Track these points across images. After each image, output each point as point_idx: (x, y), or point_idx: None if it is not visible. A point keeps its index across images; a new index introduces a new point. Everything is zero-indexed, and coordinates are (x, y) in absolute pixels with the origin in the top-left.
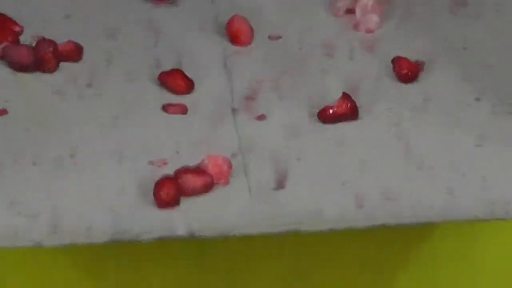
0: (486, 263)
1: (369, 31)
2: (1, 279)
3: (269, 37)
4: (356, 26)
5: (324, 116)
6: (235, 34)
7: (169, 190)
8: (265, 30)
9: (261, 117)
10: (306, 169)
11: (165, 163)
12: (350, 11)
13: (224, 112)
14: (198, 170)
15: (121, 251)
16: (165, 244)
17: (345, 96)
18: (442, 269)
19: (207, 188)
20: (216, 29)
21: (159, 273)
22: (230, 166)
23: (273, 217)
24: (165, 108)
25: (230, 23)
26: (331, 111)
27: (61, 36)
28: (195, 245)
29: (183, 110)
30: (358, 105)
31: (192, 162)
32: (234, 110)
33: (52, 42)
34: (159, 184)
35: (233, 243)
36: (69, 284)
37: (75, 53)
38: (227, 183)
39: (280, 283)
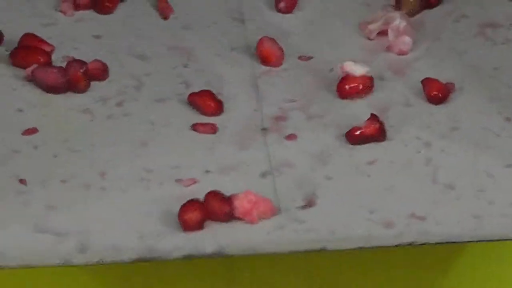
0: None
1: (402, 53)
2: None
3: (299, 58)
4: (389, 48)
5: (352, 137)
6: (266, 55)
7: (194, 215)
8: (295, 51)
9: (291, 137)
10: (334, 189)
11: (194, 182)
12: (382, 33)
13: (254, 132)
14: (228, 201)
15: (148, 270)
16: (192, 263)
17: (373, 117)
18: None
19: (231, 219)
20: (246, 50)
21: None
22: (265, 208)
23: (301, 235)
24: (195, 127)
25: (260, 44)
26: (358, 132)
27: (89, 56)
28: (223, 263)
29: (213, 129)
30: (387, 127)
31: (222, 181)
32: (264, 130)
33: (83, 63)
34: (185, 208)
35: (261, 261)
36: None
37: (101, 72)
38: (253, 222)
39: None
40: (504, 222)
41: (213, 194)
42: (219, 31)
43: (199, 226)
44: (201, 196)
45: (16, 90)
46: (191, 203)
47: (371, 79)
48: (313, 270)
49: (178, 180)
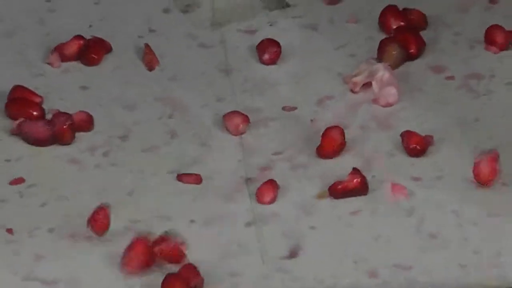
0: None
1: (388, 105)
2: None
3: (283, 108)
4: (375, 101)
5: (335, 191)
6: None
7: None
8: (279, 102)
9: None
10: (318, 240)
11: (178, 237)
12: (366, 85)
13: (238, 182)
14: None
15: None
16: None
17: (355, 171)
18: None
19: None
20: (231, 101)
21: None
22: None
23: (287, 285)
24: (180, 178)
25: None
26: (341, 186)
27: (76, 107)
28: None
29: (198, 180)
30: (370, 178)
31: (207, 232)
32: (248, 180)
33: (68, 116)
34: (165, 283)
35: None
36: None
37: (86, 123)
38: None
39: None
40: (490, 272)
41: (189, 267)
42: (205, 82)
43: None
44: (185, 249)
45: (2, 140)
46: (171, 278)
47: (343, 135)
48: None
49: (164, 232)
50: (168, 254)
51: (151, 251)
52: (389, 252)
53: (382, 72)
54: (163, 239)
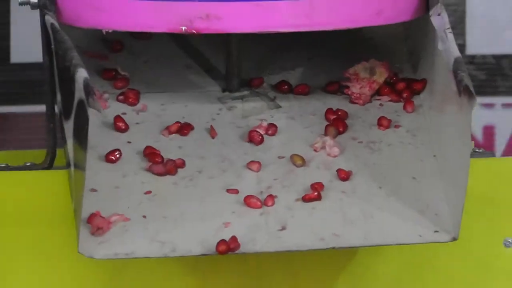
0: None
1: (334, 156)
2: None
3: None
4: (328, 154)
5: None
6: None
7: None
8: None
9: None
10: None
11: None
12: (322, 147)
13: None
14: None
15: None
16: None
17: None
18: None
19: None
20: None
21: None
22: None
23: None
24: None
25: None
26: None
27: None
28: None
29: None
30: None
31: None
32: None
33: None
34: None
35: None
36: None
37: None
38: None
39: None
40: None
41: None
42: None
43: None
44: None
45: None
46: None
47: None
48: None
49: None
50: None
51: None
52: None
53: (329, 141)
54: None
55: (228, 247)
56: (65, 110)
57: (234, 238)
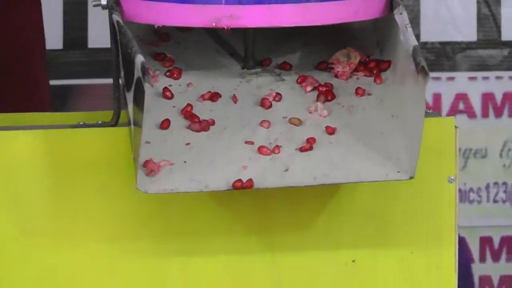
0: None
1: (324, 116)
2: None
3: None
4: (321, 115)
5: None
6: None
7: None
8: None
9: None
10: None
11: None
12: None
13: None
14: None
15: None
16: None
17: None
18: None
19: None
20: None
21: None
22: None
23: None
24: None
25: None
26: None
27: None
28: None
29: None
30: None
31: None
32: None
33: None
34: None
35: None
36: None
37: None
38: None
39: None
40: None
41: None
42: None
43: None
44: None
45: None
46: None
47: None
48: None
49: None
50: None
51: None
52: None
53: (320, 105)
54: None
55: (242, 184)
56: (127, 83)
57: (249, 180)
